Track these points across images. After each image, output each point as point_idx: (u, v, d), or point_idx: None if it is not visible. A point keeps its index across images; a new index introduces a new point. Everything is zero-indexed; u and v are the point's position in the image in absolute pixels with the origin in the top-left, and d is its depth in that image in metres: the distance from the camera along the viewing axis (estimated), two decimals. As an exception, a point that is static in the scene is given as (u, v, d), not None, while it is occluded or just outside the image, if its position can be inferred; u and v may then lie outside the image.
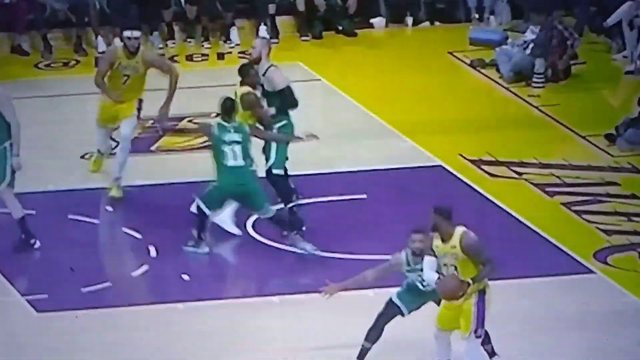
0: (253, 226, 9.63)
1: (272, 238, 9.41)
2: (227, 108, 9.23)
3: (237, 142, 9.08)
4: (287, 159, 9.55)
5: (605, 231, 9.61)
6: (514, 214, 9.84)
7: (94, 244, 9.40)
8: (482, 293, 7.40)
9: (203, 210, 9.15)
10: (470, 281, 7.35)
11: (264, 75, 9.57)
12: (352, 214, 9.82)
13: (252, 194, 9.14)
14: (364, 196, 10.07)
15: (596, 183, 10.37)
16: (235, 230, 9.47)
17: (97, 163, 10.45)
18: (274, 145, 9.45)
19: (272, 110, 9.54)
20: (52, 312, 8.46)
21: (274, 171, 9.46)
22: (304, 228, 9.35)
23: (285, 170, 9.58)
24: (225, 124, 9.17)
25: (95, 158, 10.49)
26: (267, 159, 9.48)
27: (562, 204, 10.03)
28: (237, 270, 9.25)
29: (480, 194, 10.22)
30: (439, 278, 7.40)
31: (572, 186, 10.32)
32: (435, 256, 7.47)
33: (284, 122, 9.54)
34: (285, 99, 9.51)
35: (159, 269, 9.07)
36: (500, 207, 9.97)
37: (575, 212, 9.92)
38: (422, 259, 7.60)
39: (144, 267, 9.05)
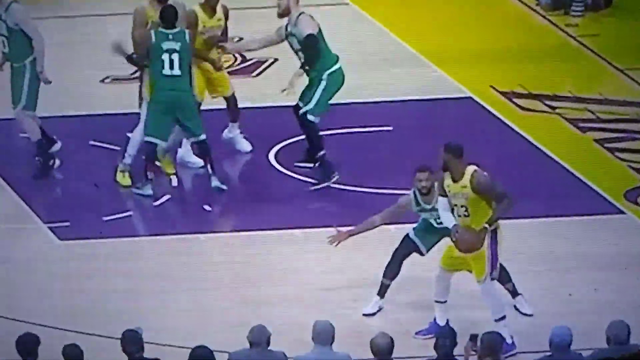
0: (276, 157, 9.87)
1: (295, 170, 9.66)
2: (168, 15, 9.24)
3: (176, 51, 9.20)
4: (328, 108, 9.53)
5: (637, 170, 9.79)
6: (544, 149, 10.03)
7: (115, 172, 9.65)
8: (494, 234, 7.63)
9: (151, 142, 9.20)
10: (487, 226, 7.55)
11: (295, 25, 9.54)
12: (377, 147, 10.04)
13: (186, 109, 9.21)
14: (390, 128, 10.26)
15: (632, 119, 10.46)
16: (197, 161, 9.54)
17: None
18: (319, 90, 9.47)
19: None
20: (74, 240, 8.81)
21: (309, 117, 9.51)
22: (335, 177, 9.48)
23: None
24: (165, 30, 9.24)
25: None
26: (306, 102, 9.50)
27: (595, 140, 10.18)
28: (259, 202, 9.50)
29: (511, 128, 10.38)
30: (456, 232, 7.60)
31: (607, 122, 10.43)
32: (446, 196, 7.67)
33: (326, 78, 9.41)
34: (314, 47, 9.43)
35: (180, 198, 9.37)
36: (530, 142, 10.15)
37: (608, 149, 10.08)
38: (433, 198, 7.83)
39: (165, 197, 9.34)
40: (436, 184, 7.79)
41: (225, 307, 8.16)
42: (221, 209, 9.36)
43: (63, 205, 9.25)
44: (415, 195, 8.00)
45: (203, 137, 9.36)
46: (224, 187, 9.40)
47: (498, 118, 10.54)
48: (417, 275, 8.20)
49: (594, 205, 9.33)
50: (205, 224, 9.15)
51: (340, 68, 9.60)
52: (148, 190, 9.31)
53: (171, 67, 9.18)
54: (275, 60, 11.50)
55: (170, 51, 9.23)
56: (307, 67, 9.51)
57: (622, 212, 9.29)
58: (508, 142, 10.22)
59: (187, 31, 9.39)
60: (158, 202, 9.33)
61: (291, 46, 9.65)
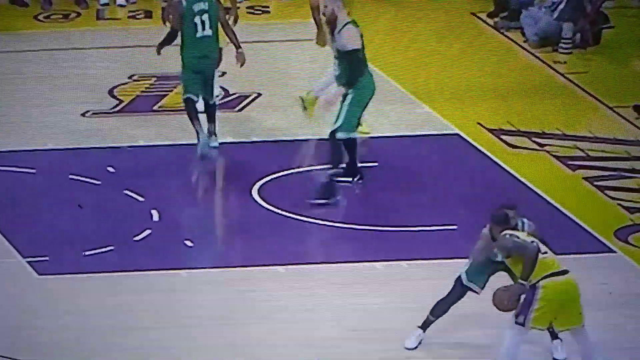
0: (259, 192, 10.01)
1: (278, 205, 9.80)
2: None
3: (206, 11, 9.65)
4: (358, 124, 9.65)
5: (628, 208, 9.90)
6: (533, 187, 10.16)
7: (95, 206, 9.81)
8: (534, 289, 7.68)
9: (190, 98, 9.82)
10: (524, 282, 7.65)
11: (338, 32, 9.58)
12: (362, 182, 10.14)
13: (213, 69, 9.92)
14: (375, 164, 10.42)
15: (621, 157, 10.61)
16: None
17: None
18: (344, 105, 9.57)
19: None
20: (53, 275, 8.91)
21: (338, 135, 9.63)
22: (337, 198, 9.64)
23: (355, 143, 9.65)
24: None
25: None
26: (335, 119, 9.62)
27: (585, 178, 10.32)
28: (242, 238, 9.62)
29: (499, 165, 10.53)
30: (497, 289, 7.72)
31: (596, 160, 10.58)
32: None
33: (352, 91, 9.53)
34: (352, 63, 9.49)
35: (162, 233, 9.49)
36: (519, 180, 10.29)
37: (598, 187, 10.21)
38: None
39: (147, 232, 9.47)
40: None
41: (208, 345, 8.24)
42: (203, 245, 9.48)
43: (43, 240, 9.35)
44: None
45: (215, 100, 10.07)
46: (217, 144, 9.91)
47: (486, 155, 10.69)
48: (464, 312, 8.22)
49: (583, 244, 9.45)
50: (188, 259, 9.27)
51: (368, 76, 9.63)
52: (214, 143, 9.99)
53: (203, 28, 9.67)
54: (259, 95, 11.69)
55: (201, 12, 9.65)
56: (339, 79, 9.60)
57: (612, 251, 9.41)
58: (496, 179, 10.36)
59: None
60: (139, 237, 9.46)
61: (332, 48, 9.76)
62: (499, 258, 7.95)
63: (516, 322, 7.67)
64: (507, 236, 7.81)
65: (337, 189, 9.71)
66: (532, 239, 7.87)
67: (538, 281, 7.68)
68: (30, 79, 11.22)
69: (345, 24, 9.59)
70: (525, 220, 8.10)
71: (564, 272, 7.75)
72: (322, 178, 9.77)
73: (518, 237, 7.81)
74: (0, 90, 11.55)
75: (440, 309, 8.13)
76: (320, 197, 9.64)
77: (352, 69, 9.56)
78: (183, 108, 10.61)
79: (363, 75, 9.60)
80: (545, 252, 7.80)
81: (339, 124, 9.63)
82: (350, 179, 9.77)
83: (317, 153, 10.47)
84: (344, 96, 9.63)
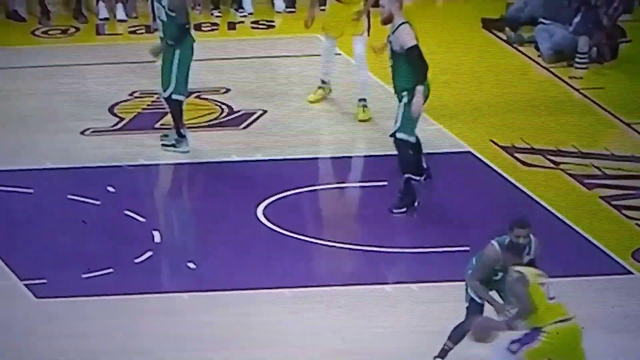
0: (264, 212, 10.07)
1: (284, 226, 9.84)
2: None
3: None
4: (414, 125, 9.95)
5: (646, 228, 9.99)
6: (548, 207, 10.17)
7: (95, 227, 9.85)
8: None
9: (179, 100, 10.41)
10: (509, 323, 7.65)
11: (393, 34, 9.90)
12: (371, 202, 10.19)
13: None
14: (385, 183, 10.46)
15: (639, 176, 10.64)
16: None
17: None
18: (402, 108, 9.87)
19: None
20: (51, 298, 8.95)
21: (398, 135, 9.94)
22: (416, 204, 9.86)
23: (419, 142, 10.00)
24: None
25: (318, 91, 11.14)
26: (395, 121, 9.96)
27: (601, 197, 10.32)
28: (246, 259, 9.66)
29: (513, 184, 10.53)
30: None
31: (613, 178, 10.58)
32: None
33: (410, 92, 9.85)
34: (410, 61, 9.81)
35: (164, 255, 9.54)
36: (533, 199, 10.30)
37: (615, 206, 10.22)
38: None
39: (148, 254, 9.52)
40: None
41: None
42: (206, 266, 9.52)
43: (40, 262, 9.41)
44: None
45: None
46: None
47: (499, 173, 10.71)
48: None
49: (599, 265, 9.47)
50: (190, 281, 9.31)
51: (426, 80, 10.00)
52: (185, 147, 10.33)
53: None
54: (264, 112, 11.76)
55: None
56: (399, 81, 9.93)
57: (629, 272, 9.44)
58: (509, 198, 10.37)
59: None
60: (140, 259, 9.52)
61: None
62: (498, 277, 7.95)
63: (509, 349, 7.68)
64: (519, 281, 7.70)
65: (416, 193, 9.92)
66: (543, 280, 7.79)
67: (545, 326, 7.69)
68: (27, 95, 11.28)
69: (400, 25, 9.91)
70: (533, 240, 8.07)
71: (570, 318, 7.76)
72: (399, 185, 9.95)
73: (527, 282, 7.73)
74: (-4, 107, 11.65)
75: (458, 334, 8.10)
76: (400, 206, 9.91)
77: (412, 68, 9.86)
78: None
79: (423, 76, 9.92)
80: (553, 298, 7.79)
81: (397, 125, 9.93)
82: (417, 178, 10.01)
83: (326, 171, 10.53)
84: (401, 97, 9.93)
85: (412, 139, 9.92)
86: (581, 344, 7.77)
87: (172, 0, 10.50)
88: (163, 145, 10.81)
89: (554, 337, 7.65)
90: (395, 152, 10.14)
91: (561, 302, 7.81)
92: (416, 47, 9.84)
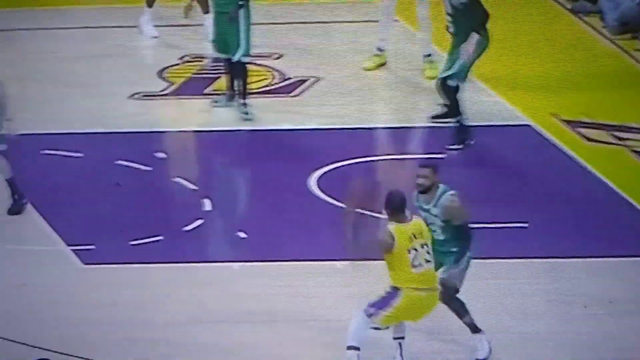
0: (317, 183, 10.05)
1: (337, 197, 9.83)
2: None
3: None
4: (466, 74, 10.31)
5: None
6: (610, 184, 10.09)
7: (144, 194, 9.87)
8: None
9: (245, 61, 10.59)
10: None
11: None
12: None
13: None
14: (442, 156, 10.40)
15: None
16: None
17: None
18: (461, 57, 10.19)
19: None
20: (98, 265, 9.01)
21: (450, 82, 10.28)
22: (471, 141, 10.30)
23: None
24: None
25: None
26: (447, 67, 10.31)
27: (667, 175, 10.32)
28: (297, 230, 9.66)
29: (574, 159, 10.46)
30: None
31: (680, 155, 10.56)
32: None
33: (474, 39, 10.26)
34: (469, 14, 10.22)
35: (213, 224, 9.55)
36: (595, 176, 10.21)
37: (681, 184, 10.19)
38: (432, 199, 8.04)
39: (198, 222, 9.53)
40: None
41: (257, 342, 8.30)
42: (256, 236, 9.53)
43: (88, 228, 9.46)
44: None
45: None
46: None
47: (560, 148, 10.62)
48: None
49: (662, 245, 9.46)
50: (239, 251, 9.33)
51: (484, 30, 10.38)
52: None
53: None
54: (317, 79, 11.72)
55: None
56: (458, 34, 10.31)
57: (693, 254, 9.38)
58: (571, 174, 10.29)
59: None
60: (190, 227, 9.55)
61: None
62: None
63: (365, 313, 7.86)
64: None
65: (470, 132, 10.34)
66: (416, 245, 7.84)
67: (402, 289, 7.81)
68: (77, 57, 11.33)
69: None
70: (441, 190, 8.07)
71: (430, 289, 7.87)
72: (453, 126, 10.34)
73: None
74: (44, 70, 11.68)
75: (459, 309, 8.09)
76: (456, 142, 10.35)
77: (471, 20, 10.26)
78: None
79: (482, 27, 10.30)
80: (419, 265, 7.86)
81: (452, 71, 10.25)
82: (454, 119, 10.48)
83: (381, 141, 10.48)
84: (457, 44, 10.30)
85: (461, 84, 10.37)
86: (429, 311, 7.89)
87: None
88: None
89: (407, 303, 7.82)
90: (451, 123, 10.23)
91: (429, 271, 7.84)
92: (472, 1, 10.21)
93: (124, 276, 8.93)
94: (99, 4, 12.94)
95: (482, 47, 10.41)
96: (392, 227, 7.87)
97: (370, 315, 7.89)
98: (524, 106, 11.21)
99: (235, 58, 10.61)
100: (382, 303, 7.88)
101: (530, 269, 8.86)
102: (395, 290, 7.87)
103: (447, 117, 10.62)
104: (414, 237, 7.85)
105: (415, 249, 7.85)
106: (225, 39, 10.60)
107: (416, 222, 7.91)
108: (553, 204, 9.70)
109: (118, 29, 12.54)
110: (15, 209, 9.52)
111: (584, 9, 13.00)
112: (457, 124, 10.47)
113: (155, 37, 12.09)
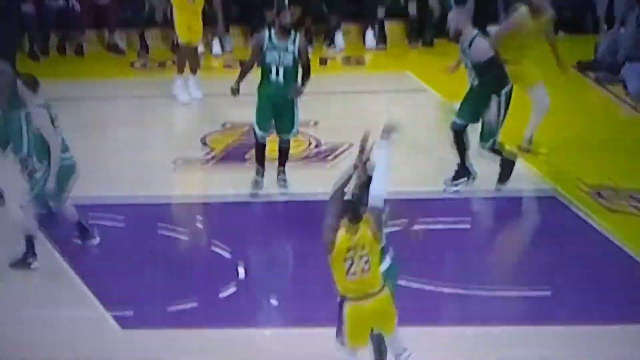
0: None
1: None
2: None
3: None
4: (494, 135, 10.30)
5: None
6: (632, 253, 9.78)
7: (181, 260, 9.76)
8: None
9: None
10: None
11: (469, 46, 10.06)
12: (451, 242, 9.93)
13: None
14: (467, 226, 10.19)
15: None
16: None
17: None
18: (488, 119, 10.21)
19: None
20: (137, 329, 8.87)
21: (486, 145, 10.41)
22: (474, 179, 10.24)
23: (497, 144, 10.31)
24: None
25: None
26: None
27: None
28: (330, 295, 9.49)
29: (596, 228, 10.17)
30: None
31: (703, 226, 10.28)
32: None
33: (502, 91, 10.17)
34: (493, 70, 10.03)
35: (247, 290, 9.41)
36: (617, 246, 9.92)
37: None
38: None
39: (232, 289, 9.41)
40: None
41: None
42: (288, 303, 9.37)
43: (127, 293, 9.33)
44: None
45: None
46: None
47: (583, 216, 10.35)
48: None
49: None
50: (272, 318, 9.16)
51: (512, 87, 10.27)
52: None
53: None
54: (351, 145, 11.59)
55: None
56: (477, 84, 10.14)
57: None
58: (593, 243, 10.01)
59: None
60: (224, 294, 9.42)
61: (463, 61, 10.26)
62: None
63: (338, 341, 7.35)
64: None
65: (474, 174, 10.31)
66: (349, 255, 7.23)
67: (345, 300, 7.26)
68: (122, 125, 11.31)
69: (474, 37, 10.02)
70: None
71: (364, 296, 7.29)
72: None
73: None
74: (93, 135, 11.69)
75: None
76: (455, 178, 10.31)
77: (496, 76, 10.08)
78: (276, 157, 10.60)
79: (508, 80, 10.15)
80: (354, 273, 7.26)
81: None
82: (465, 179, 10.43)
83: (408, 207, 10.30)
84: (487, 97, 10.18)
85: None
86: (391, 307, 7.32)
87: (302, 43, 10.28)
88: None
89: (351, 316, 7.34)
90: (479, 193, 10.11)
91: (364, 279, 7.30)
92: (497, 53, 10.02)
93: (161, 340, 8.78)
94: (146, 76, 12.97)
95: (503, 111, 10.20)
96: (341, 230, 7.27)
97: (342, 343, 7.40)
98: (549, 171, 10.95)
99: (290, 137, 10.44)
100: (339, 320, 7.40)
101: (551, 335, 8.60)
102: (341, 303, 7.39)
103: (459, 179, 10.48)
104: (356, 248, 7.26)
105: (352, 259, 7.28)
106: (283, 121, 10.33)
107: (364, 234, 7.29)
108: (575, 271, 9.43)
109: (164, 98, 12.56)
110: (19, 264, 9.37)
111: (607, 78, 12.86)
112: (459, 164, 10.29)
113: (187, 104, 11.97)
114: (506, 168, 10.43)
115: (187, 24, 12.35)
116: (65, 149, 9.27)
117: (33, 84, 9.06)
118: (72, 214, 9.59)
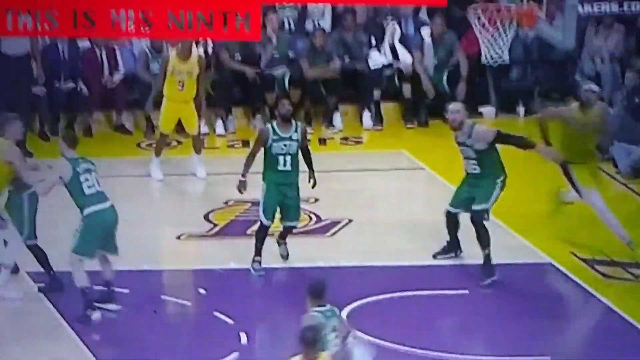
0: (348, 317, 9.75)
1: (367, 331, 9.51)
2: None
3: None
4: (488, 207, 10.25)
5: None
6: (630, 320, 9.69)
7: (185, 326, 9.61)
8: None
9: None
10: None
11: (470, 137, 10.18)
12: (451, 310, 9.84)
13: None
14: (466, 292, 10.10)
15: None
16: None
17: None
18: (494, 193, 10.26)
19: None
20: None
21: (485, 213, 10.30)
22: (494, 278, 10.03)
23: None
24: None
25: None
26: (480, 201, 10.24)
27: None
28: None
29: (593, 295, 10.09)
30: None
31: (697, 294, 10.18)
32: None
33: (501, 177, 10.27)
34: (494, 155, 10.22)
35: (249, 357, 9.24)
36: (615, 312, 9.83)
37: (699, 322, 9.77)
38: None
39: (234, 355, 9.23)
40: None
41: None
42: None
43: (129, 358, 9.20)
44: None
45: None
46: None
47: (579, 285, 10.28)
48: None
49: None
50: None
51: (506, 177, 10.33)
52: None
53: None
54: (350, 221, 11.54)
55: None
56: (477, 172, 10.22)
57: None
58: (589, 310, 9.93)
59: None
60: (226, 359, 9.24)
61: (462, 153, 10.31)
62: None
63: None
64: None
65: (494, 270, 10.12)
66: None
67: None
68: (129, 202, 11.24)
69: (473, 127, 10.24)
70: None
71: None
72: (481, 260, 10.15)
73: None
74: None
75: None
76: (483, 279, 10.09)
77: (498, 160, 10.26)
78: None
79: (504, 169, 10.35)
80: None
81: (487, 205, 10.25)
82: (453, 254, 10.42)
83: (409, 278, 10.20)
84: (492, 183, 10.26)
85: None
86: None
87: (303, 131, 10.31)
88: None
89: None
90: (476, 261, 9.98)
91: None
92: (500, 131, 10.24)
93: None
94: (150, 156, 12.99)
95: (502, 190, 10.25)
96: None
97: None
98: (545, 245, 10.89)
99: (296, 224, 10.44)
100: None
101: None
102: None
103: (449, 253, 10.45)
104: None
105: None
106: (289, 208, 10.31)
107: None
108: (573, 339, 9.29)
109: (169, 177, 12.55)
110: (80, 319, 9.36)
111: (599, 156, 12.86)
112: (485, 261, 10.19)
113: (160, 180, 11.97)
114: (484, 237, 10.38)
115: (176, 115, 12.35)
116: (104, 199, 9.45)
117: (72, 140, 9.63)
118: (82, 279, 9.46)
